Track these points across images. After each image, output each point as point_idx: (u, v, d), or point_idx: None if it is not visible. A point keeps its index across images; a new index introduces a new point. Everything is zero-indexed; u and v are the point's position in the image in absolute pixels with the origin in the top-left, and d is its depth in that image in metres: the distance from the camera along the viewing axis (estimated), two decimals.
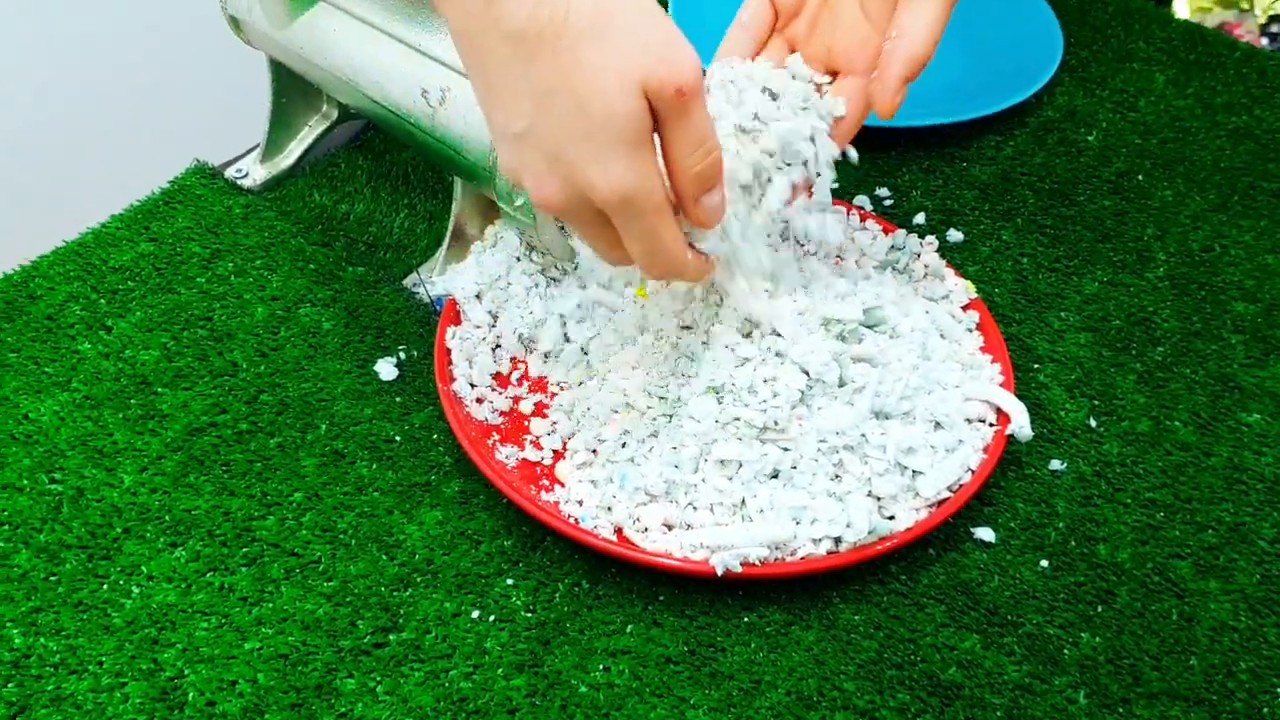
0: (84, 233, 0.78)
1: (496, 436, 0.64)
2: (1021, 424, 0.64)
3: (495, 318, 0.68)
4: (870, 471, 0.60)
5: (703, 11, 0.95)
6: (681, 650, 0.58)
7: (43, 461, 0.64)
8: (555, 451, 0.64)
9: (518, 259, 0.70)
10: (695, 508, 0.59)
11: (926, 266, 0.73)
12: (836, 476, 0.60)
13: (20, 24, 1.04)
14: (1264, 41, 1.10)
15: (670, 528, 0.59)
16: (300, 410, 0.67)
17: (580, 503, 0.61)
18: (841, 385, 0.62)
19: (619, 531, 0.60)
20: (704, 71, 0.53)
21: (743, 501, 0.59)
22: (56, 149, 1.12)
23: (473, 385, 0.66)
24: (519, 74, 0.49)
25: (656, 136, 0.52)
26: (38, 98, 1.09)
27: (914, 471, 0.61)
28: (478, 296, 0.69)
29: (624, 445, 0.62)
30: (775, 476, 0.60)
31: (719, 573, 0.57)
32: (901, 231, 0.74)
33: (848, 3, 0.63)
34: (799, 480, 0.60)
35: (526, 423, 0.65)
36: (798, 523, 0.58)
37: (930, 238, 0.74)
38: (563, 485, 0.62)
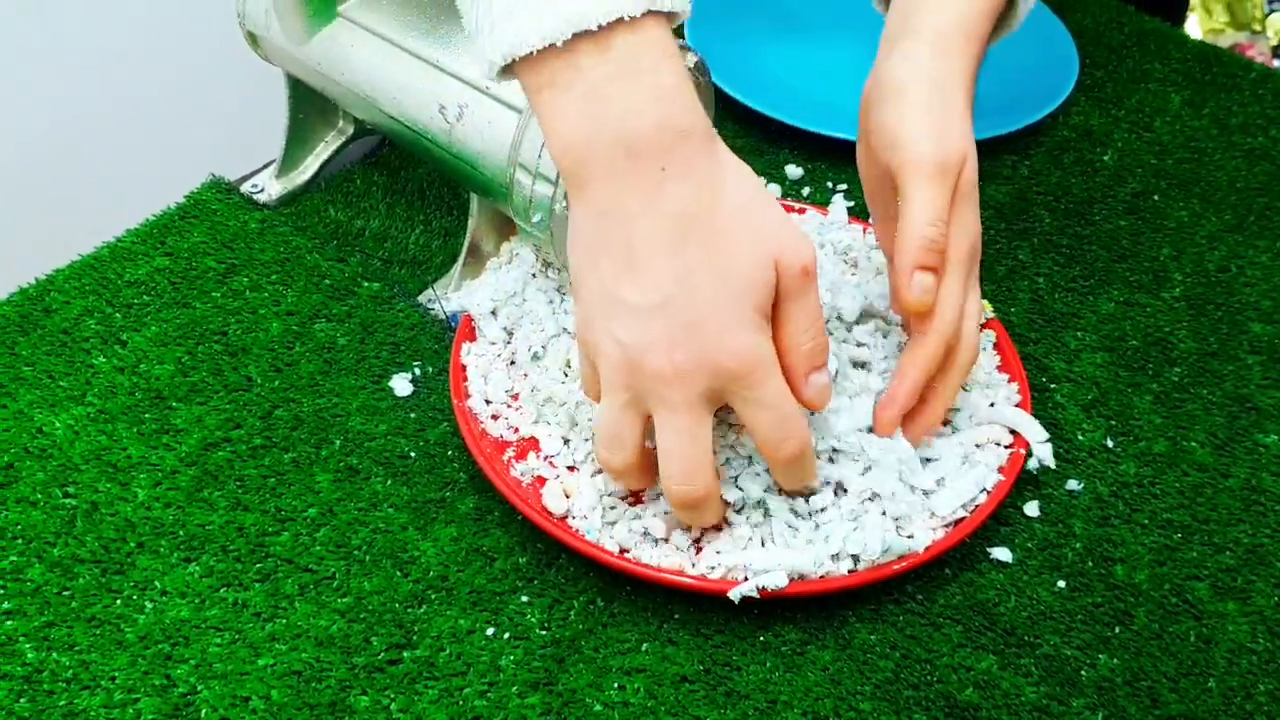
0: (99, 247, 0.78)
1: (512, 453, 0.64)
2: (1044, 454, 0.64)
3: (510, 334, 0.68)
4: (886, 491, 0.60)
5: (714, 37, 0.96)
6: (697, 669, 0.58)
7: (57, 475, 0.64)
8: (569, 468, 0.64)
9: (533, 275, 0.70)
10: (711, 529, 0.59)
11: None
12: (853, 495, 0.60)
13: (38, 39, 1.05)
14: (1276, 63, 1.10)
15: (696, 544, 0.59)
16: (315, 425, 0.67)
17: (586, 517, 0.60)
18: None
19: (623, 550, 0.59)
20: None
21: (761, 520, 0.59)
22: (73, 163, 1.12)
23: (488, 401, 0.66)
24: (670, 249, 0.53)
25: None
26: (55, 112, 1.09)
27: (929, 491, 0.61)
28: (493, 313, 0.69)
29: None
30: (791, 495, 0.60)
31: (736, 600, 0.57)
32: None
33: None
34: (815, 500, 0.59)
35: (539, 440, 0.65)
36: (810, 542, 0.58)
37: None
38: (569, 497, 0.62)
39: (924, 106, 0.62)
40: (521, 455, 0.64)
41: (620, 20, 0.50)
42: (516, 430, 0.65)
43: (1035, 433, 0.64)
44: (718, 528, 0.59)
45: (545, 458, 0.63)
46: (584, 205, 0.54)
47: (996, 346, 0.69)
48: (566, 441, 0.64)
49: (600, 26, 0.50)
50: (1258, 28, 2.01)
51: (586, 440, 0.63)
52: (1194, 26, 1.87)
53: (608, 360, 0.55)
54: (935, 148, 0.61)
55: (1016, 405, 0.66)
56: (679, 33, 0.93)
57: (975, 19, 0.64)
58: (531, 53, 0.51)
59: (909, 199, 0.61)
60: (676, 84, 0.52)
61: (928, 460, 0.62)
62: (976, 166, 0.63)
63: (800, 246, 0.54)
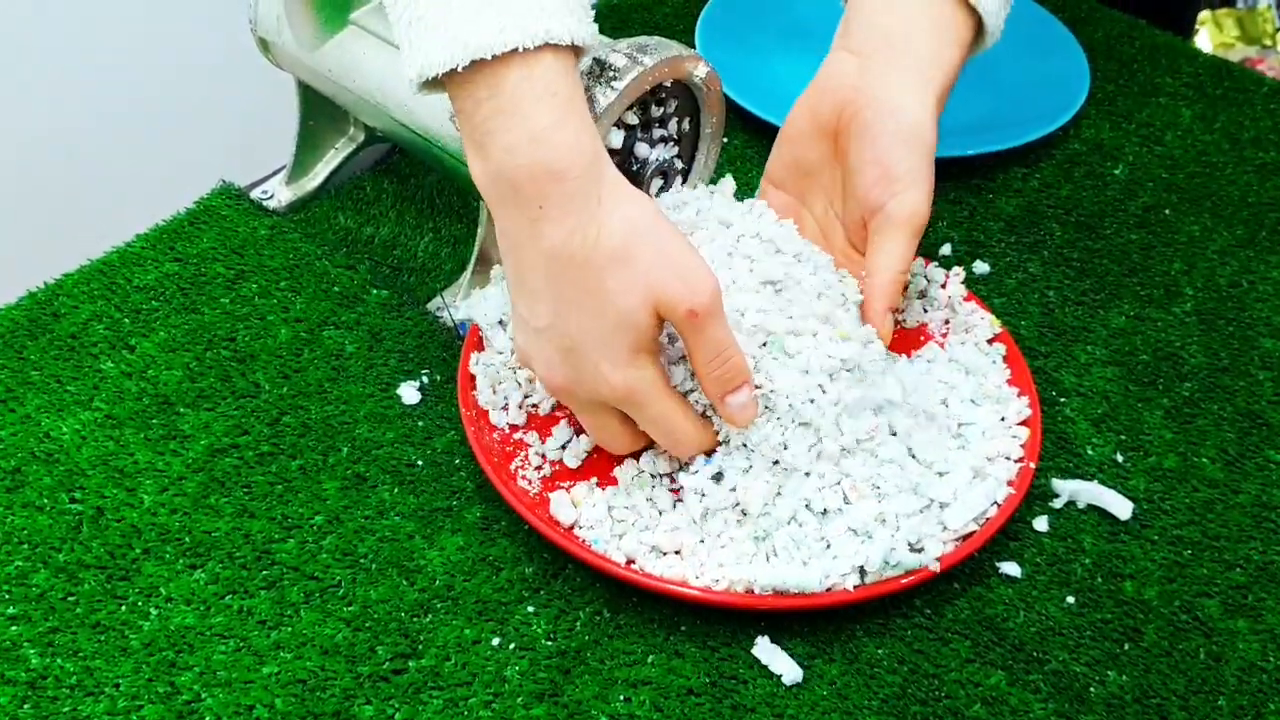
0: (109, 252, 0.78)
1: (519, 462, 0.64)
2: (1123, 512, 0.65)
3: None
4: (896, 506, 0.59)
5: (728, 31, 0.96)
6: (703, 682, 0.57)
7: (63, 480, 0.64)
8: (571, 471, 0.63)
9: None
10: (718, 542, 0.59)
11: (950, 297, 0.72)
12: (861, 506, 0.59)
13: (49, 44, 1.05)
14: None
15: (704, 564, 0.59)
16: (322, 433, 0.67)
17: (593, 528, 0.60)
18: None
19: (630, 561, 0.59)
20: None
21: (765, 535, 0.59)
22: (83, 168, 1.13)
23: (505, 409, 0.66)
24: (549, 282, 0.56)
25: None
26: (65, 117, 1.09)
27: (940, 504, 0.60)
28: (501, 323, 0.69)
29: (640, 473, 0.62)
30: (797, 508, 0.59)
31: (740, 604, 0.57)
32: (919, 260, 0.74)
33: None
34: (820, 512, 0.59)
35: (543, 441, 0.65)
36: (808, 562, 0.58)
37: (958, 269, 0.73)
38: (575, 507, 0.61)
39: (927, 160, 0.66)
40: (528, 462, 0.64)
41: (515, 52, 0.52)
42: (524, 441, 0.65)
43: (1121, 507, 0.65)
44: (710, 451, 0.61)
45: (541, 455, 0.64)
46: (497, 227, 0.58)
47: (1007, 360, 0.69)
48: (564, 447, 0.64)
49: (494, 57, 0.52)
50: (1268, 42, 2.00)
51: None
52: (1204, 41, 1.87)
53: (528, 362, 0.60)
54: (926, 210, 0.66)
55: (1025, 420, 0.65)
56: (690, 42, 0.93)
57: (951, 61, 0.68)
58: (438, 76, 0.53)
59: (890, 249, 0.66)
60: (554, 124, 0.53)
61: (941, 474, 0.62)
62: None
63: (688, 291, 0.54)
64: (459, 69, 0.52)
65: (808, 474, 0.60)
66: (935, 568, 0.58)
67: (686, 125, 0.69)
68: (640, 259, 0.55)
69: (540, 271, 0.56)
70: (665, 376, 0.59)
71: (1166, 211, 0.84)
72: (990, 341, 0.70)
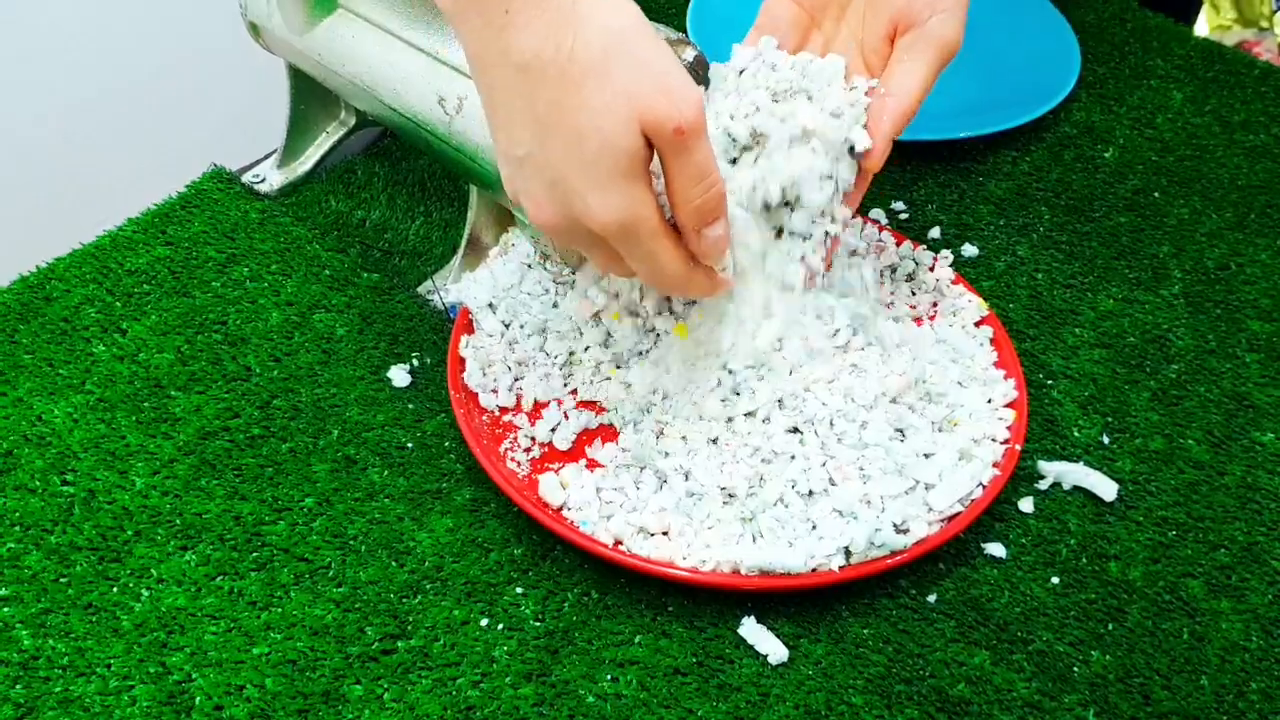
0: (101, 236, 0.78)
1: (508, 444, 0.64)
2: (1108, 493, 0.65)
3: (508, 326, 0.69)
4: (882, 488, 0.60)
5: (719, 16, 0.96)
6: (690, 662, 0.58)
7: (55, 463, 0.65)
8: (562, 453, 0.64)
9: (529, 266, 0.70)
10: (705, 523, 0.59)
11: (938, 280, 0.73)
12: (846, 488, 0.60)
13: (40, 29, 1.05)
14: None
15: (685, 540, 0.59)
16: (313, 416, 0.67)
17: (581, 509, 0.60)
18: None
19: (618, 543, 0.60)
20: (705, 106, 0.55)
21: (751, 516, 0.59)
22: (75, 152, 1.13)
23: (494, 392, 0.66)
24: (523, 102, 0.51)
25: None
26: (57, 102, 1.09)
27: (926, 485, 0.61)
28: (490, 306, 0.69)
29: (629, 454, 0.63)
30: (784, 491, 0.60)
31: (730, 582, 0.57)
32: (907, 243, 0.74)
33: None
34: (806, 493, 0.60)
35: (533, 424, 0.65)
36: (793, 542, 0.58)
37: (945, 252, 0.73)
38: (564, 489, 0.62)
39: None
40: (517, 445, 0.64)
41: None
42: (513, 423, 0.65)
43: (1107, 489, 0.65)
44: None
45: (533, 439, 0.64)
46: (463, 49, 0.53)
47: (994, 342, 0.69)
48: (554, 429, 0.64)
49: None
50: (1265, 24, 2.00)
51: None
52: (1201, 23, 1.87)
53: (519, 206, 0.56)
54: (960, 43, 0.61)
55: (1012, 403, 0.66)
56: (682, 27, 0.93)
57: None
58: None
59: (919, 70, 0.62)
60: None
61: (927, 455, 0.62)
62: None
63: (673, 106, 0.50)
64: None
65: (793, 457, 0.60)
66: (911, 543, 0.59)
67: None
68: (621, 72, 0.50)
69: (513, 90, 0.51)
70: (659, 208, 0.54)
71: (1156, 194, 0.84)
72: (978, 324, 0.70)
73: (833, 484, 0.60)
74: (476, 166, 0.67)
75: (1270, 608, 0.61)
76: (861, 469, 0.60)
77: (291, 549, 0.61)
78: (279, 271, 0.75)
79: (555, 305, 0.69)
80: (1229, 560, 0.63)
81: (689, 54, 0.65)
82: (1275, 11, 1.99)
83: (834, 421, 0.61)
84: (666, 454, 0.62)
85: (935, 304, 0.72)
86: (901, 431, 0.62)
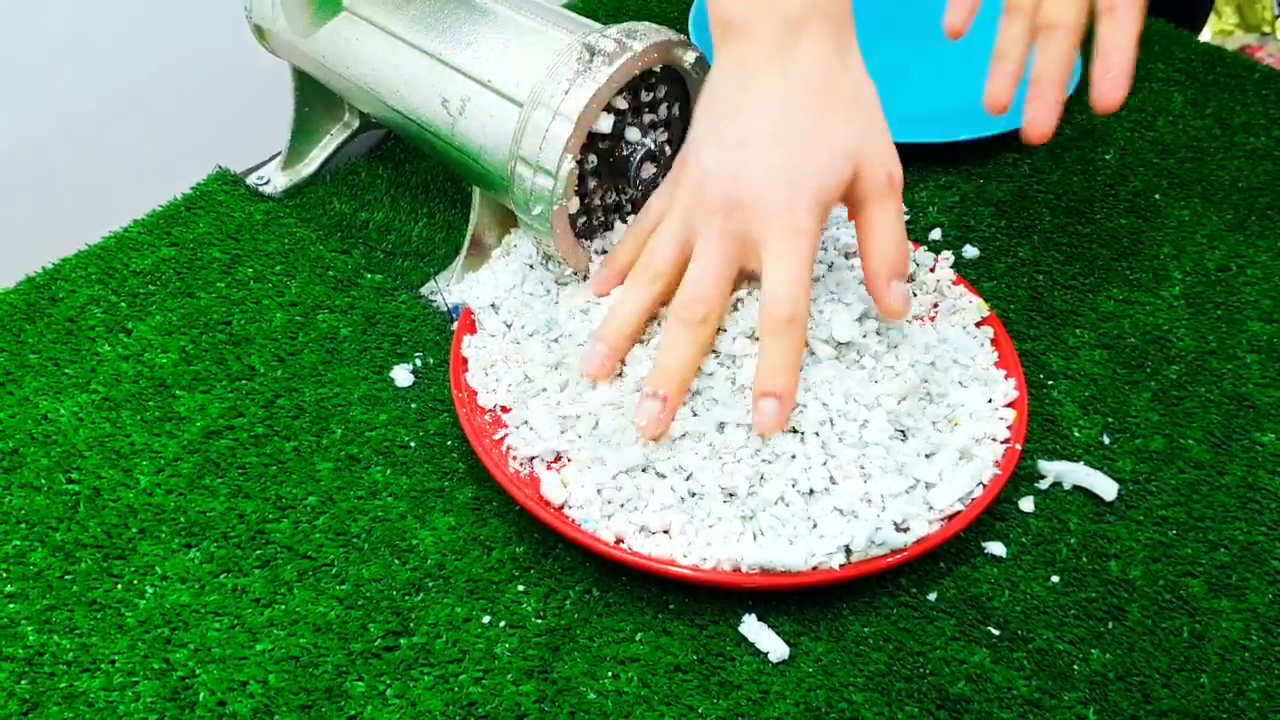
0: (106, 236, 0.79)
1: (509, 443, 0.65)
2: (1108, 492, 0.65)
3: (509, 326, 0.69)
4: (882, 487, 0.60)
5: None
6: (691, 659, 0.58)
7: (61, 461, 0.65)
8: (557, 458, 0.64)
9: (530, 266, 0.71)
10: (706, 521, 0.60)
11: (939, 281, 0.73)
12: (847, 486, 0.60)
13: (46, 30, 1.05)
14: None
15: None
16: (316, 415, 0.68)
17: (583, 507, 0.61)
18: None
19: (619, 540, 0.60)
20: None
21: (752, 514, 0.59)
22: (81, 154, 1.13)
23: (495, 391, 0.66)
24: (773, 106, 0.59)
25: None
26: (63, 103, 1.10)
27: (927, 484, 0.61)
28: (493, 307, 0.70)
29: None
30: (784, 489, 0.60)
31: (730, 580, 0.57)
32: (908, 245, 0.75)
33: None
34: (807, 492, 0.60)
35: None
36: (794, 540, 0.58)
37: (946, 254, 0.74)
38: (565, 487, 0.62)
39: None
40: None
41: None
42: (510, 421, 0.65)
43: (1107, 488, 0.65)
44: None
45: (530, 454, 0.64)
46: (724, 58, 0.61)
47: (994, 343, 0.69)
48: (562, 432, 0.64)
49: None
50: (1268, 29, 2.00)
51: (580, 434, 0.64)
52: (1204, 28, 1.87)
53: (686, 181, 0.61)
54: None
55: (1012, 402, 0.66)
56: (683, 28, 0.94)
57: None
58: None
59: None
60: None
61: (928, 455, 0.62)
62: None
63: (891, 157, 0.59)
64: None
65: (794, 456, 0.60)
66: (911, 541, 0.59)
67: (676, 110, 0.69)
68: (861, 116, 0.59)
69: (773, 96, 0.59)
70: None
71: (1156, 196, 0.85)
72: (979, 324, 0.70)
73: (833, 482, 0.60)
74: (479, 167, 0.68)
75: (1270, 607, 0.61)
76: (862, 468, 0.60)
77: (295, 547, 0.62)
78: (283, 272, 0.76)
79: (557, 302, 0.69)
80: (1229, 559, 0.63)
81: (690, 56, 0.66)
82: (1277, 16, 1.99)
83: (834, 421, 0.62)
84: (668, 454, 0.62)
85: (936, 305, 0.72)
86: (903, 431, 0.62)
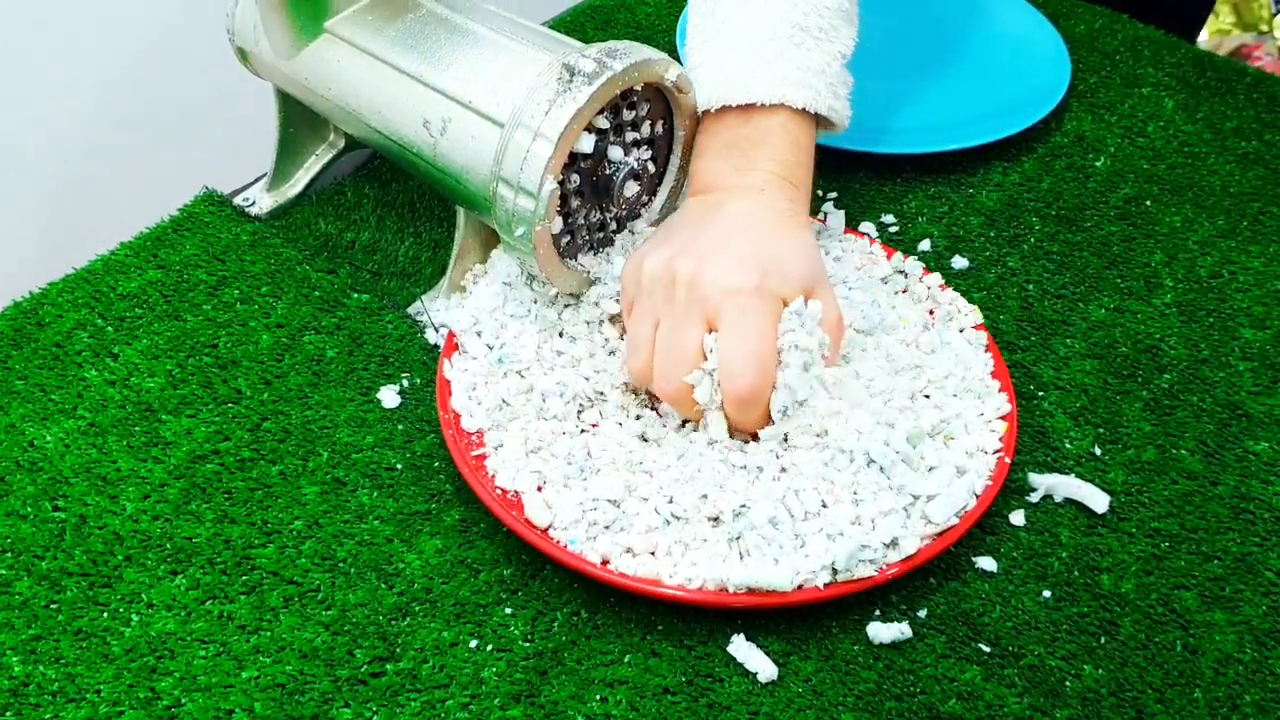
0: (93, 260, 0.78)
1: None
2: (1099, 505, 0.65)
3: (491, 348, 0.69)
4: (872, 505, 0.59)
5: None
6: (679, 680, 0.58)
7: (47, 489, 0.65)
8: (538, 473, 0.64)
9: (509, 285, 0.70)
10: (688, 545, 0.59)
11: (929, 288, 0.73)
12: (837, 510, 0.60)
13: (32, 53, 1.05)
14: None
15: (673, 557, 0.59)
16: (302, 438, 0.68)
17: (568, 529, 0.60)
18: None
19: (605, 562, 0.59)
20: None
21: (738, 534, 0.59)
22: (67, 177, 1.13)
23: (471, 416, 0.66)
24: (744, 220, 0.65)
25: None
26: (49, 127, 1.10)
27: (914, 496, 0.61)
28: (475, 328, 0.69)
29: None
30: (772, 509, 0.60)
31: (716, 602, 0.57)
32: (898, 255, 0.74)
33: None
34: (796, 510, 0.59)
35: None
36: (779, 560, 0.58)
37: (935, 276, 0.74)
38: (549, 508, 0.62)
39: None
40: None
41: (754, 106, 0.67)
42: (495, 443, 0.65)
43: (1098, 500, 0.65)
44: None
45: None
46: (693, 201, 0.68)
47: (986, 351, 0.69)
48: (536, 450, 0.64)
49: (739, 105, 0.67)
50: (1264, 28, 2.00)
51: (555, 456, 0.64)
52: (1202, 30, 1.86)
53: (648, 275, 0.64)
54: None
55: (1004, 416, 0.65)
56: (672, 40, 0.93)
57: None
58: (710, 110, 0.68)
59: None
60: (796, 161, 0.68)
61: (931, 468, 0.62)
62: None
63: (836, 305, 0.64)
64: (711, 110, 0.68)
65: (776, 479, 0.60)
66: (900, 557, 0.59)
67: (660, 128, 0.69)
68: (817, 260, 0.65)
69: (734, 214, 0.65)
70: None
71: (1148, 203, 0.84)
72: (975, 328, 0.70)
73: (824, 506, 0.60)
74: (461, 187, 0.67)
75: (1264, 619, 0.60)
76: (854, 492, 0.60)
77: (281, 572, 0.61)
78: (269, 294, 0.76)
79: (535, 319, 0.69)
80: (1222, 571, 0.62)
81: (672, 73, 0.65)
82: (1274, 15, 1.99)
83: (828, 446, 0.61)
84: (652, 475, 0.62)
85: (932, 311, 0.72)
86: (896, 451, 0.62)
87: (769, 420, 0.61)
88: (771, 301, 0.61)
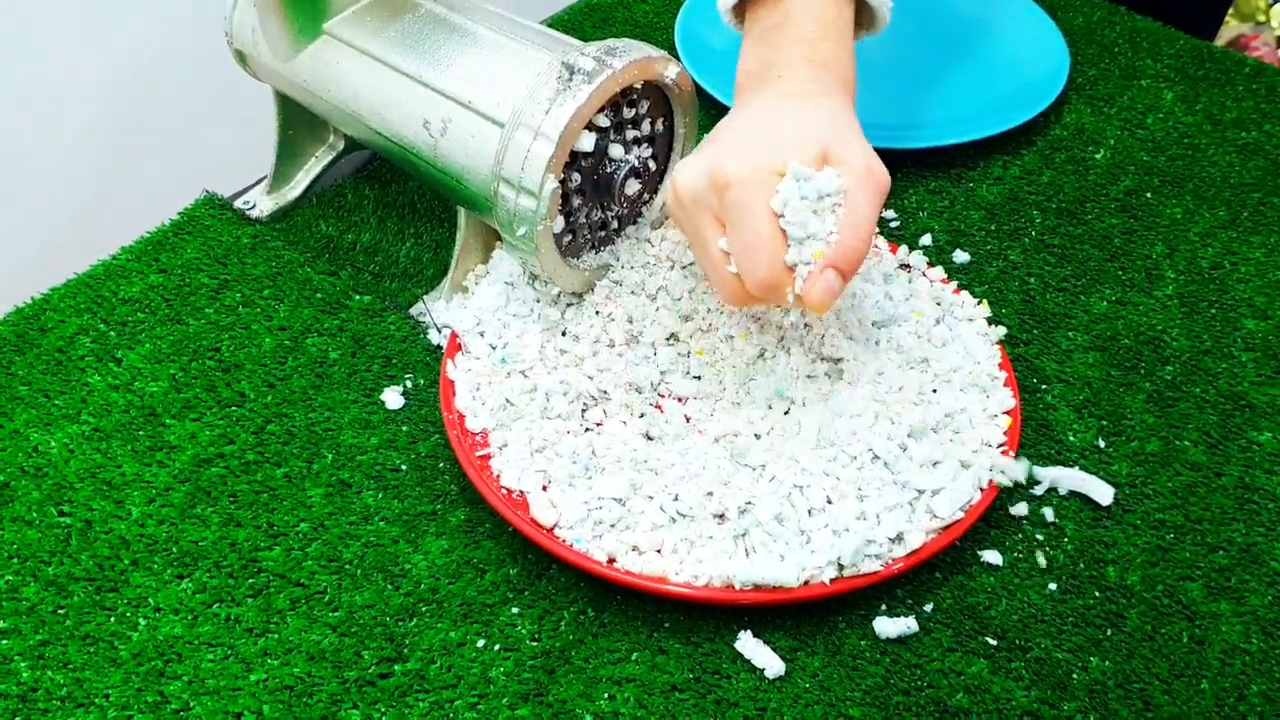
0: (95, 265, 0.78)
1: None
2: (1104, 497, 0.65)
3: (494, 348, 0.69)
4: (878, 500, 0.59)
5: (706, 30, 0.96)
6: (687, 678, 0.58)
7: (52, 494, 0.65)
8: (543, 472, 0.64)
9: (510, 285, 0.70)
10: (694, 543, 0.59)
11: (932, 282, 0.73)
12: (843, 506, 0.60)
13: (32, 58, 1.05)
14: None
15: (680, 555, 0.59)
16: (307, 440, 0.68)
17: (573, 528, 0.60)
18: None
19: (611, 560, 0.59)
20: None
21: (744, 531, 0.59)
22: (68, 182, 1.13)
23: (475, 416, 0.66)
24: (762, 110, 0.63)
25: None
26: (49, 132, 1.10)
27: (918, 490, 0.61)
28: (478, 328, 0.69)
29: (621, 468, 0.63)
30: (778, 505, 0.60)
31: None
32: (903, 249, 0.74)
33: None
34: (801, 506, 0.59)
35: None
36: (785, 556, 0.58)
37: (938, 269, 0.74)
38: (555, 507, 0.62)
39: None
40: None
41: None
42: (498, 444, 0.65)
43: (1103, 493, 0.65)
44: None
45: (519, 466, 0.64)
46: (738, 106, 0.66)
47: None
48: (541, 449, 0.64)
49: None
50: (1262, 18, 1.99)
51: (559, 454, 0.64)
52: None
53: (686, 195, 0.61)
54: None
55: (1009, 411, 0.65)
56: (671, 37, 0.94)
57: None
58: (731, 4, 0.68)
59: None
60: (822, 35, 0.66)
61: (935, 463, 0.62)
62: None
63: (869, 156, 0.61)
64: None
65: (774, 478, 0.60)
66: (906, 551, 0.59)
67: (660, 125, 0.69)
68: (844, 124, 0.63)
69: (756, 107, 0.63)
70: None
71: (1148, 195, 0.84)
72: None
73: (829, 502, 0.60)
74: (462, 189, 0.67)
75: (1270, 609, 0.60)
76: (859, 488, 0.60)
77: (287, 574, 0.61)
78: (271, 296, 0.76)
79: (539, 319, 0.69)
80: (1227, 562, 0.62)
81: (671, 71, 0.66)
82: (1271, 5, 1.99)
83: (834, 442, 0.61)
84: (657, 473, 0.62)
85: (939, 303, 0.72)
86: (901, 446, 0.62)
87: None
88: (760, 187, 0.59)
